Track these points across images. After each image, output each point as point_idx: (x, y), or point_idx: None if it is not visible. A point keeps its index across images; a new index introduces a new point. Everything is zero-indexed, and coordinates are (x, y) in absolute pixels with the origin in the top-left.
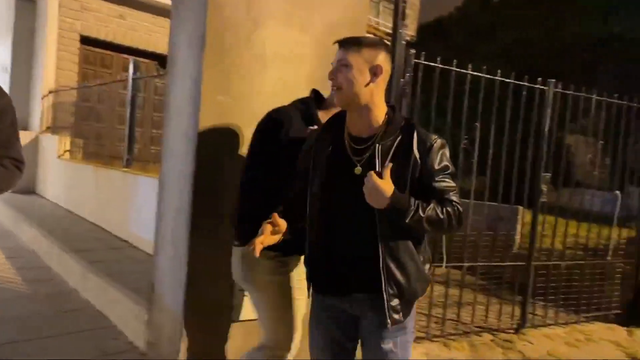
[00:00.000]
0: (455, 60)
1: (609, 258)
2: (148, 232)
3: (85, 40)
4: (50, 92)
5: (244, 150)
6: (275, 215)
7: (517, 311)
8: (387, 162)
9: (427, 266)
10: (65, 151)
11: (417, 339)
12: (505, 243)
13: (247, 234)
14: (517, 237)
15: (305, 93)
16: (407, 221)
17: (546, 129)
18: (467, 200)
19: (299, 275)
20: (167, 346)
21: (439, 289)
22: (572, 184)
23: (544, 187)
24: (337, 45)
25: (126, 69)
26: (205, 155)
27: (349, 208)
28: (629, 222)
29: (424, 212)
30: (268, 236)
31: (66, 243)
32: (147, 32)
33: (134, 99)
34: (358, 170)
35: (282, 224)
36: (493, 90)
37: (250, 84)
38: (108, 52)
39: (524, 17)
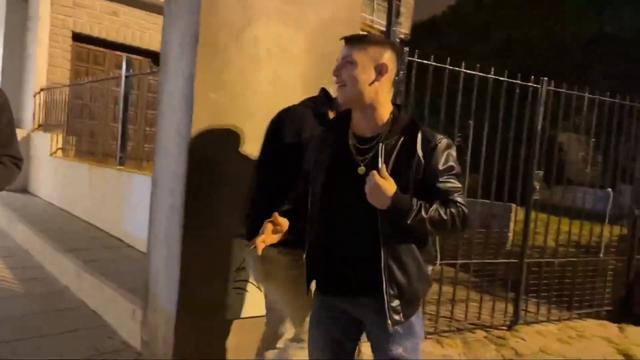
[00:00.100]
0: (448, 59)
1: (601, 255)
2: (142, 231)
3: (78, 37)
4: (42, 89)
5: (238, 148)
6: (276, 214)
7: (510, 308)
8: (390, 162)
9: (430, 267)
10: (57, 149)
11: None
12: (499, 240)
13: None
14: (510, 235)
15: (299, 90)
16: (408, 222)
17: (539, 127)
18: None
19: None
20: (162, 345)
21: (432, 287)
22: (565, 181)
23: (537, 185)
24: (339, 42)
25: (119, 66)
26: (199, 154)
27: (351, 208)
28: (621, 219)
29: (426, 213)
30: (269, 235)
31: (60, 242)
32: (141, 29)
33: (127, 96)
34: (361, 170)
35: (284, 222)
36: (486, 88)
37: (244, 81)
38: (101, 49)
39: (517, 16)
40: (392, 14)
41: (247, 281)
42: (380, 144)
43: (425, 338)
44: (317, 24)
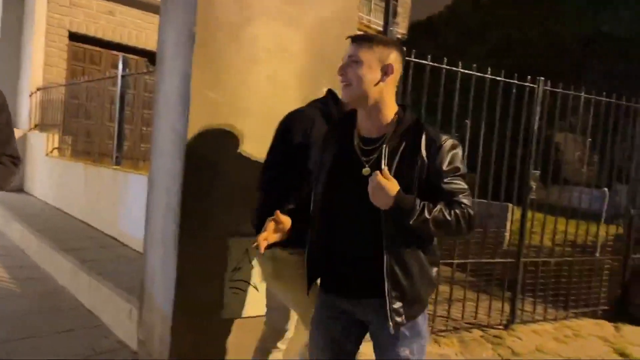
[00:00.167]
0: (445, 58)
1: (597, 255)
2: (138, 230)
3: (74, 37)
4: (38, 89)
5: (235, 148)
6: (278, 212)
7: (507, 307)
8: (394, 162)
9: (435, 269)
10: (53, 149)
11: None
12: (495, 240)
13: None
14: (507, 234)
15: (297, 89)
16: (411, 222)
17: (535, 127)
18: None
19: None
20: (158, 345)
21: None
22: (561, 181)
23: (533, 184)
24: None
25: (115, 66)
26: (195, 153)
27: (354, 208)
28: (617, 219)
29: (429, 214)
30: (271, 233)
31: (56, 241)
32: (137, 28)
33: (123, 96)
34: (366, 171)
35: (286, 220)
36: (483, 88)
37: (242, 80)
38: (97, 48)
39: (515, 16)
40: (389, 14)
41: (243, 281)
42: (384, 145)
43: None
44: (316, 23)
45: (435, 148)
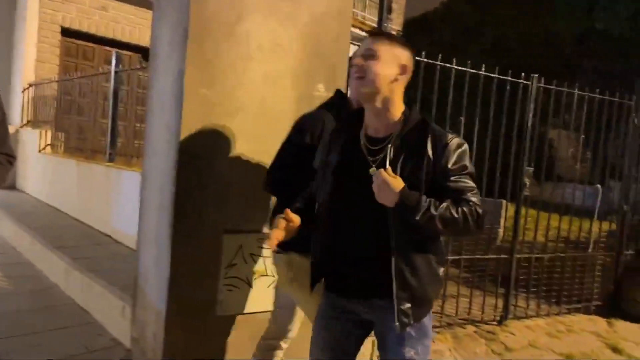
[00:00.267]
0: (440, 55)
1: (589, 251)
2: (131, 227)
3: (67, 32)
4: (30, 85)
5: (229, 145)
6: (288, 210)
7: (500, 303)
8: (400, 161)
9: (442, 268)
10: (46, 145)
11: None
12: (489, 236)
13: (287, 241)
14: (501, 231)
15: (291, 86)
16: (417, 218)
17: (529, 124)
18: None
19: None
20: (152, 343)
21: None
22: (555, 177)
23: (527, 181)
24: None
25: (108, 62)
26: (189, 151)
27: (361, 208)
28: (610, 215)
29: (436, 210)
30: (280, 231)
31: (49, 239)
32: (130, 24)
33: (116, 92)
34: (373, 170)
35: (295, 219)
36: (477, 85)
37: (235, 77)
38: (90, 44)
39: (510, 13)
40: (384, 10)
41: (238, 278)
42: (389, 145)
43: None
44: (310, 19)
45: (441, 147)
